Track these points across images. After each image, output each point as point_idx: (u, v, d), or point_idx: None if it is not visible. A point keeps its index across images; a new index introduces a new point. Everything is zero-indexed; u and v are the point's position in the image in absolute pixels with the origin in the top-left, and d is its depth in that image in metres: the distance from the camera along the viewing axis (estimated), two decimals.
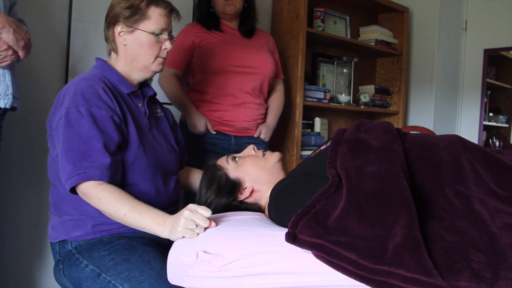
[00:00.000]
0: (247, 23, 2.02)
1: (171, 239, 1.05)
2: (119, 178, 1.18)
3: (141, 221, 1.07)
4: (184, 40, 1.92)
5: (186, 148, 1.86)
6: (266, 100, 2.08)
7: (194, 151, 1.89)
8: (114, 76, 1.28)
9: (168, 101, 1.96)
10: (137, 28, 1.25)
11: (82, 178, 1.10)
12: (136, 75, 1.32)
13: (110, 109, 1.18)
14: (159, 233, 1.06)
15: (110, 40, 1.30)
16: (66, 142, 1.13)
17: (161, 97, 1.91)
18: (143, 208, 1.08)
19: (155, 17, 1.26)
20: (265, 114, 2.07)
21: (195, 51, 1.92)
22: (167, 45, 1.30)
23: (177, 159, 1.41)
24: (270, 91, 2.11)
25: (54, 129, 1.20)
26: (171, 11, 1.30)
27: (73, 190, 1.14)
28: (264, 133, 2.01)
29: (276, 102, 2.12)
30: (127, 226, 1.23)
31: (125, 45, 1.27)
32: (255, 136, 2.00)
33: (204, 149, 1.91)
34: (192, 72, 1.98)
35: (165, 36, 1.29)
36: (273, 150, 1.46)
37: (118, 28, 1.26)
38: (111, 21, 1.27)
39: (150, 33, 1.26)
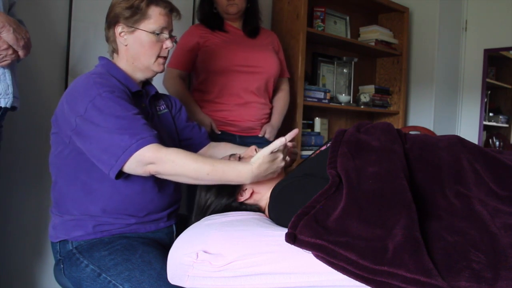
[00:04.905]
0: (251, 23, 2.02)
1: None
2: None
3: (225, 178, 1.13)
4: (188, 41, 1.92)
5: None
6: (271, 100, 2.07)
7: None
8: (119, 74, 1.28)
9: None
10: (138, 28, 1.25)
11: (145, 142, 1.08)
12: (139, 75, 1.32)
13: (128, 96, 1.20)
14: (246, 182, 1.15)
15: (111, 40, 1.30)
16: (106, 125, 1.10)
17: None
18: (224, 167, 1.13)
19: (155, 17, 1.25)
20: (270, 114, 2.06)
21: (199, 51, 1.91)
22: (168, 44, 1.29)
23: None
24: (275, 90, 2.10)
25: (77, 127, 1.14)
26: (171, 11, 1.30)
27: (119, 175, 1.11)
28: (268, 132, 2.00)
29: (280, 101, 2.11)
30: (128, 227, 1.24)
31: (126, 45, 1.27)
32: (260, 135, 1.99)
33: None
34: (196, 73, 1.97)
35: (165, 35, 1.29)
36: None
37: (118, 29, 1.26)
38: (111, 21, 1.27)
39: (150, 32, 1.26)
